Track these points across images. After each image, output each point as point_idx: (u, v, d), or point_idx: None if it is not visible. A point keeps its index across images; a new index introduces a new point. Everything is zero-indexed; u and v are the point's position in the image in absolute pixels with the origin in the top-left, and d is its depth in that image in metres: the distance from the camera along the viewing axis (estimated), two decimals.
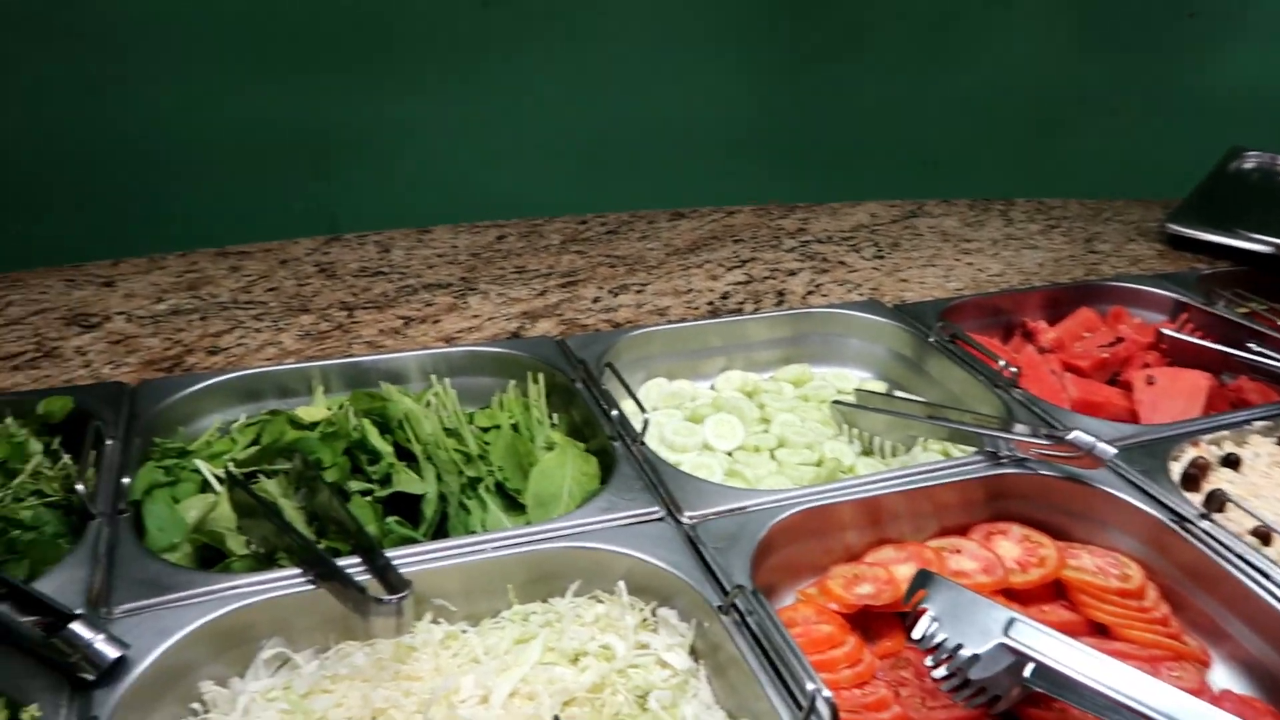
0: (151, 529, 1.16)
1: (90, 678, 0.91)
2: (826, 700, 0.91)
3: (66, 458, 1.30)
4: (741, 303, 1.84)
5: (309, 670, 1.03)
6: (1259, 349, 1.71)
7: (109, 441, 1.28)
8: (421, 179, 2.42)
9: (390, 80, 2.38)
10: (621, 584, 1.12)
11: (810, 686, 0.91)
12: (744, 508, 1.22)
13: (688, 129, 2.67)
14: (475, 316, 1.71)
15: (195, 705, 0.99)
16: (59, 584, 1.02)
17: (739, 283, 1.92)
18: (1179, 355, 1.75)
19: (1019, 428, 1.38)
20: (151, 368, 1.50)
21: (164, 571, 1.06)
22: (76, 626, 0.92)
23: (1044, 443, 1.33)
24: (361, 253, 1.96)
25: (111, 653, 0.92)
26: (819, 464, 1.45)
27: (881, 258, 2.08)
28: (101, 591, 1.03)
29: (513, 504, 1.29)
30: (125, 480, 1.19)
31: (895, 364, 1.73)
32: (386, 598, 0.95)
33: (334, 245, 2.00)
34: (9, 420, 1.32)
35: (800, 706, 0.93)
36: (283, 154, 2.37)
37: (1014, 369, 1.53)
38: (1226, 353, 1.72)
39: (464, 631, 1.09)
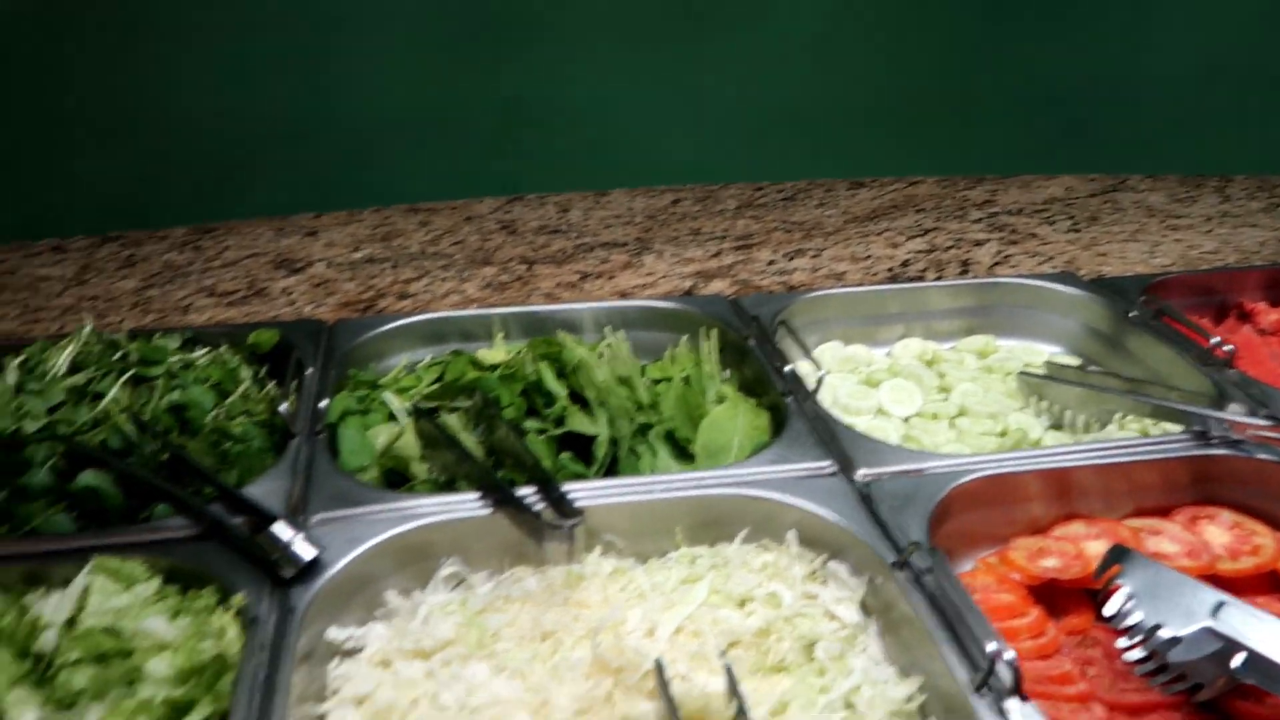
0: (344, 451, 1.23)
1: (288, 574, 0.97)
2: (1009, 662, 0.86)
3: (271, 385, 1.40)
4: (923, 271, 1.77)
5: (483, 590, 1.06)
6: None
7: (308, 371, 1.36)
8: (601, 147, 2.45)
9: (572, 55, 2.42)
10: (792, 534, 1.10)
11: (991, 646, 0.87)
12: (921, 470, 1.17)
13: (868, 98, 2.58)
14: (649, 274, 1.72)
15: (379, 611, 1.04)
16: (263, 493, 1.09)
17: (921, 251, 1.84)
18: None
19: (1234, 407, 1.26)
20: (347, 308, 1.59)
21: (354, 488, 1.13)
22: (278, 527, 0.99)
23: (1264, 424, 1.21)
24: (541, 212, 2.01)
25: (307, 553, 0.98)
26: (1003, 434, 1.38)
27: (1077, 231, 1.95)
28: (299, 501, 1.10)
29: (682, 453, 1.29)
30: (322, 405, 1.26)
31: (1089, 339, 1.62)
32: (561, 523, 0.97)
33: (515, 205, 2.06)
34: (223, 348, 1.43)
35: (978, 667, 0.88)
36: (470, 124, 2.46)
37: (1228, 348, 1.40)
38: None
39: (631, 567, 1.10)
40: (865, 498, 1.12)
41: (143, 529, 1.05)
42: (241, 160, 2.28)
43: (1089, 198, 2.14)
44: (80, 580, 0.97)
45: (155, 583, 0.98)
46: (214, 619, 0.93)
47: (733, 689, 0.86)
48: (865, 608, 1.05)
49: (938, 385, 1.51)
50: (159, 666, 0.86)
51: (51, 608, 0.95)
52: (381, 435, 1.27)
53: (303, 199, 2.08)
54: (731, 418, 1.32)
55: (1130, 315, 1.55)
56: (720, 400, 1.38)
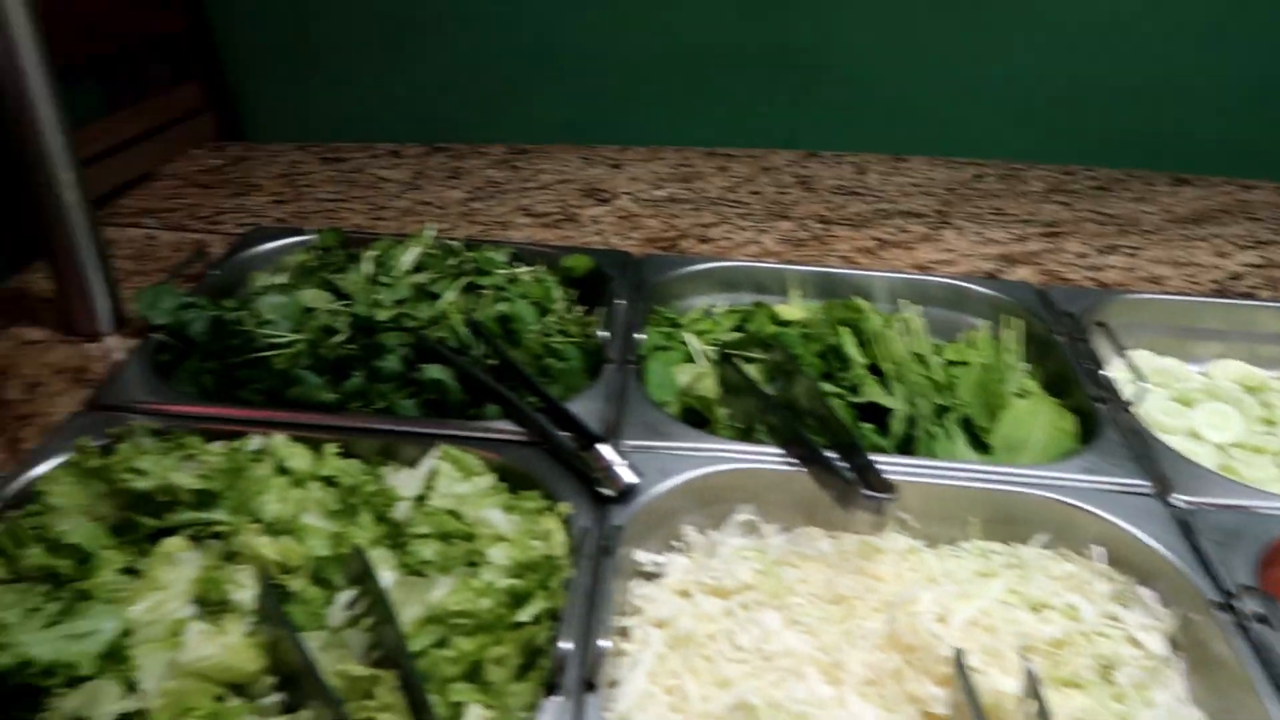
0: (651, 383, 1.30)
1: (610, 494, 1.05)
2: None
3: (581, 310, 1.48)
4: (1254, 288, 1.62)
5: (777, 542, 1.10)
6: None
7: (619, 301, 1.44)
8: (899, 110, 2.38)
9: (875, 13, 2.35)
10: (1100, 549, 1.07)
11: None
12: (1248, 506, 1.10)
13: (1203, 81, 2.34)
14: (949, 250, 1.68)
15: (676, 544, 1.11)
16: (581, 412, 1.17)
17: (1253, 265, 1.69)
18: None
19: None
20: (651, 244, 1.65)
21: (664, 421, 1.19)
22: (604, 448, 1.06)
23: None
24: (838, 171, 1.99)
25: (630, 478, 1.05)
26: None
27: None
28: (613, 426, 1.17)
29: (977, 443, 1.27)
30: (637, 336, 1.33)
31: None
32: (874, 495, 0.98)
33: (811, 161, 2.05)
34: (541, 268, 1.53)
35: None
36: (765, 72, 2.46)
37: None
38: None
39: (921, 549, 1.10)
40: (1185, 526, 1.06)
41: (477, 426, 1.16)
42: (551, 83, 2.39)
43: None
44: (429, 462, 1.09)
45: (491, 478, 1.09)
46: (542, 521, 1.02)
47: (1034, 692, 0.85)
48: (1174, 644, 1.00)
49: (1261, 416, 1.39)
50: (498, 554, 0.96)
51: (403, 483, 1.08)
52: (684, 374, 1.33)
53: (604, 129, 2.16)
54: (1034, 414, 1.28)
55: None
56: (1022, 394, 1.33)
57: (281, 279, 1.48)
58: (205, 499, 0.96)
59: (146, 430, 1.08)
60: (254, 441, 1.09)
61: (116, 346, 1.31)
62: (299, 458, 1.08)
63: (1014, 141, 2.29)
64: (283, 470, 1.05)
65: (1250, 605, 0.95)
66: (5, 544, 0.92)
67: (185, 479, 0.95)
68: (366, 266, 1.43)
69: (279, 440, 1.09)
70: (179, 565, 0.93)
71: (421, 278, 1.43)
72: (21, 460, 1.06)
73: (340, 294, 1.38)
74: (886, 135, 2.26)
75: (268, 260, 1.55)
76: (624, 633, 0.98)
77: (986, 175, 2.02)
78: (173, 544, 0.94)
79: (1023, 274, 1.62)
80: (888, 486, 1.00)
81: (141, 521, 0.95)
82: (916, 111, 2.40)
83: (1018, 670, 0.93)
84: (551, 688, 0.84)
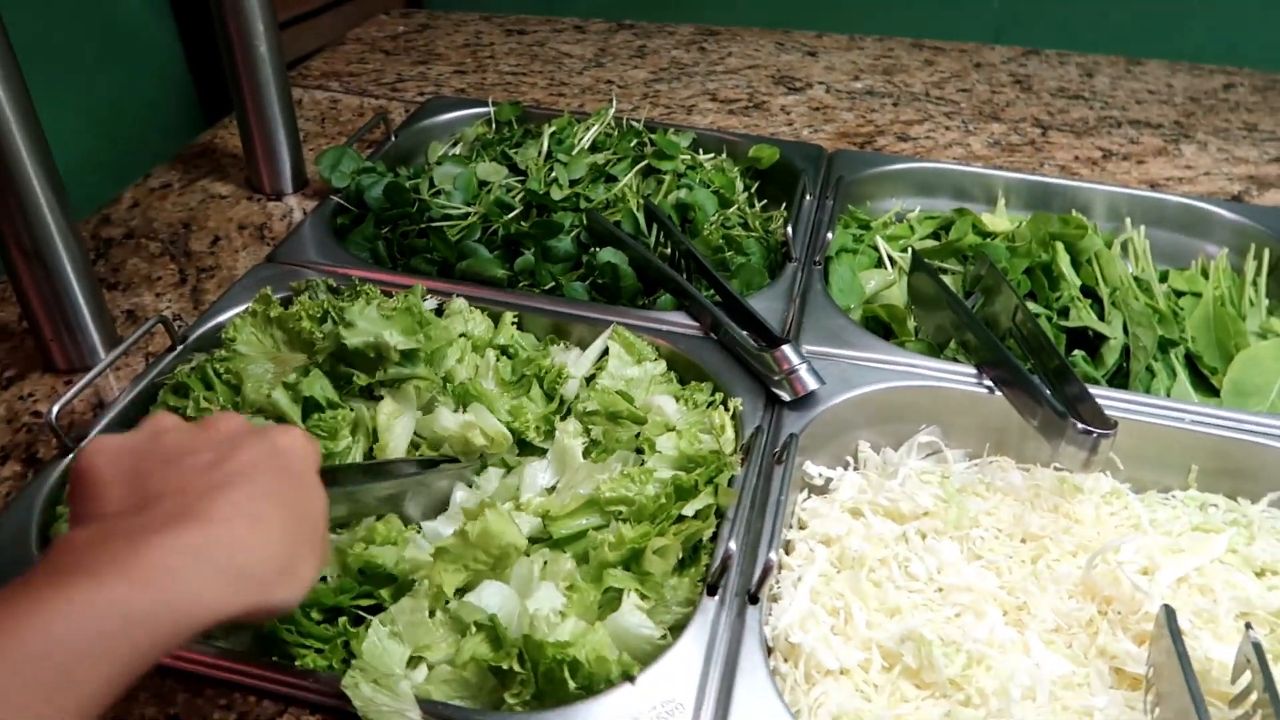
0: (834, 287, 1.21)
1: (787, 398, 0.98)
2: None
3: (762, 205, 1.39)
4: None
5: (961, 468, 1.01)
6: None
7: (807, 198, 1.34)
8: (1137, 4, 2.12)
9: None
10: None
11: None
12: None
13: None
14: (1188, 167, 1.48)
15: (849, 459, 1.03)
16: (760, 309, 1.09)
17: None
18: None
19: None
20: (845, 139, 1.53)
21: (848, 328, 1.10)
22: (787, 350, 0.99)
23: None
24: (1061, 72, 1.79)
25: (812, 383, 0.98)
26: None
27: None
28: (793, 327, 1.10)
29: (1205, 384, 1.12)
30: (825, 235, 1.23)
31: None
32: (1090, 429, 0.88)
33: (1031, 59, 1.84)
34: (724, 157, 1.44)
35: None
36: None
37: None
38: None
39: (1126, 494, 0.99)
40: None
41: (649, 315, 1.11)
42: None
43: None
44: (600, 342, 1.05)
45: (662, 365, 1.04)
46: (713, 415, 0.96)
47: (1258, 664, 0.74)
48: None
49: None
50: (666, 444, 0.91)
51: (574, 361, 1.04)
52: (872, 279, 1.23)
53: (800, 14, 2.02)
54: (1276, 358, 1.12)
55: None
56: (1264, 334, 1.17)
57: (458, 150, 1.45)
58: (410, 356, 0.95)
59: (326, 285, 1.08)
60: (430, 303, 1.08)
61: (296, 206, 1.32)
62: (478, 324, 1.06)
63: (1273, 48, 1.99)
64: (462, 334, 1.04)
65: None
66: (193, 384, 0.94)
67: (396, 336, 0.93)
68: (544, 142, 1.39)
69: (460, 303, 1.07)
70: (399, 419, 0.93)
71: (599, 158, 1.37)
72: (204, 309, 1.09)
73: (516, 169, 1.35)
74: (1120, 35, 2.01)
75: (446, 130, 1.52)
76: (787, 547, 0.93)
77: (1238, 85, 1.77)
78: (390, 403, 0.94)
79: (1274, 198, 1.41)
80: (1108, 422, 0.88)
81: (354, 375, 0.94)
82: (1156, 7, 2.13)
83: (1234, 638, 0.83)
84: (712, 589, 0.79)
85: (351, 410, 0.92)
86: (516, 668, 0.70)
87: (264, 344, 0.99)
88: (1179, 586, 0.88)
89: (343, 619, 0.77)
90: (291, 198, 1.34)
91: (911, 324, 1.17)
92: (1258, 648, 0.75)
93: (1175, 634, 0.77)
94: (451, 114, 1.54)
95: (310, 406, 0.92)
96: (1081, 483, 0.97)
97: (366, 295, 1.03)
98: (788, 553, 0.92)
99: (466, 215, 1.25)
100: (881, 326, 1.18)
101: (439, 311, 1.08)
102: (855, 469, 1.02)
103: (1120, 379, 1.12)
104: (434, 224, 1.23)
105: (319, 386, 0.92)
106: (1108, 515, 0.96)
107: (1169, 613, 0.78)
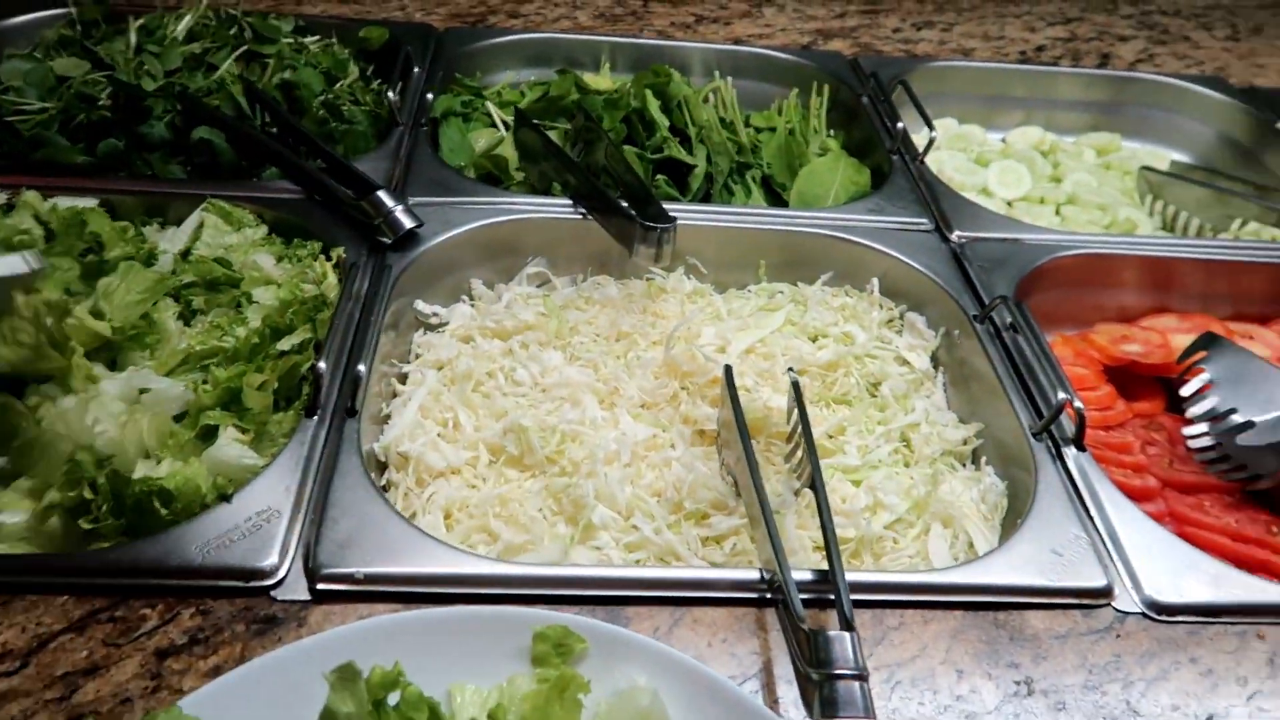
0: (444, 148, 1.25)
1: (387, 240, 1.01)
2: (1077, 410, 0.86)
3: (378, 83, 1.40)
4: (1058, 58, 1.65)
5: (566, 290, 1.10)
6: None
7: (416, 70, 1.36)
8: None
9: None
10: (875, 280, 1.10)
11: (1061, 395, 0.87)
12: (1020, 239, 1.14)
13: None
14: (767, 26, 1.65)
15: (464, 297, 1.09)
16: (366, 169, 1.11)
17: (1060, 39, 1.72)
18: None
19: None
20: (457, 19, 1.56)
21: (453, 178, 1.15)
22: (382, 195, 1.02)
23: None
24: None
25: (408, 222, 1.01)
26: (1109, 226, 1.33)
27: (1236, 39, 1.79)
28: (399, 182, 1.12)
29: (777, 199, 1.28)
30: (429, 96, 1.26)
31: (1223, 149, 1.52)
32: (654, 225, 0.98)
33: None
34: (334, 41, 1.43)
35: (1042, 415, 0.89)
36: None
37: None
38: None
39: (710, 294, 1.11)
40: (957, 257, 1.11)
41: (252, 185, 1.10)
42: None
43: (1258, 8, 1.95)
44: (195, 217, 1.03)
45: (263, 229, 1.04)
46: (316, 265, 0.98)
47: (796, 400, 0.87)
48: (936, 359, 1.06)
49: (1050, 175, 1.45)
50: (264, 295, 0.92)
51: (168, 239, 1.02)
52: (481, 139, 1.28)
53: None
54: (832, 170, 1.29)
55: (1278, 126, 1.45)
56: (823, 153, 1.34)
57: (38, 55, 1.34)
58: None
59: None
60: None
61: None
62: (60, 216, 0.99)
63: None
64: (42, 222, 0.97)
65: (1001, 316, 1.00)
66: None
67: None
68: (131, 35, 1.31)
69: (32, 195, 1.00)
70: None
71: (196, 46, 1.31)
72: None
73: (102, 64, 1.26)
74: None
75: (21, 34, 1.39)
76: (403, 379, 0.97)
77: None
78: None
79: (838, 46, 1.61)
80: (667, 217, 0.99)
81: None
82: None
83: (780, 393, 0.97)
84: (310, 410, 0.82)
85: None
86: (88, 494, 0.70)
87: None
88: (746, 356, 1.01)
89: None
90: None
91: (520, 176, 1.23)
92: (795, 385, 0.88)
93: (731, 387, 0.89)
94: (25, 16, 1.41)
95: None
96: (665, 284, 1.09)
97: None
98: (402, 384, 0.96)
99: (43, 110, 1.16)
100: (491, 178, 1.24)
101: (9, 207, 1.01)
102: (468, 303, 1.08)
103: (707, 202, 1.25)
104: (4, 119, 1.13)
105: None
106: (694, 310, 1.08)
107: (727, 371, 0.90)
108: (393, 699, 0.54)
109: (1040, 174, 1.43)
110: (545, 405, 0.93)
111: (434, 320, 1.04)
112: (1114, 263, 1.14)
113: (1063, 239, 1.15)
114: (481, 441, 0.89)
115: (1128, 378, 1.10)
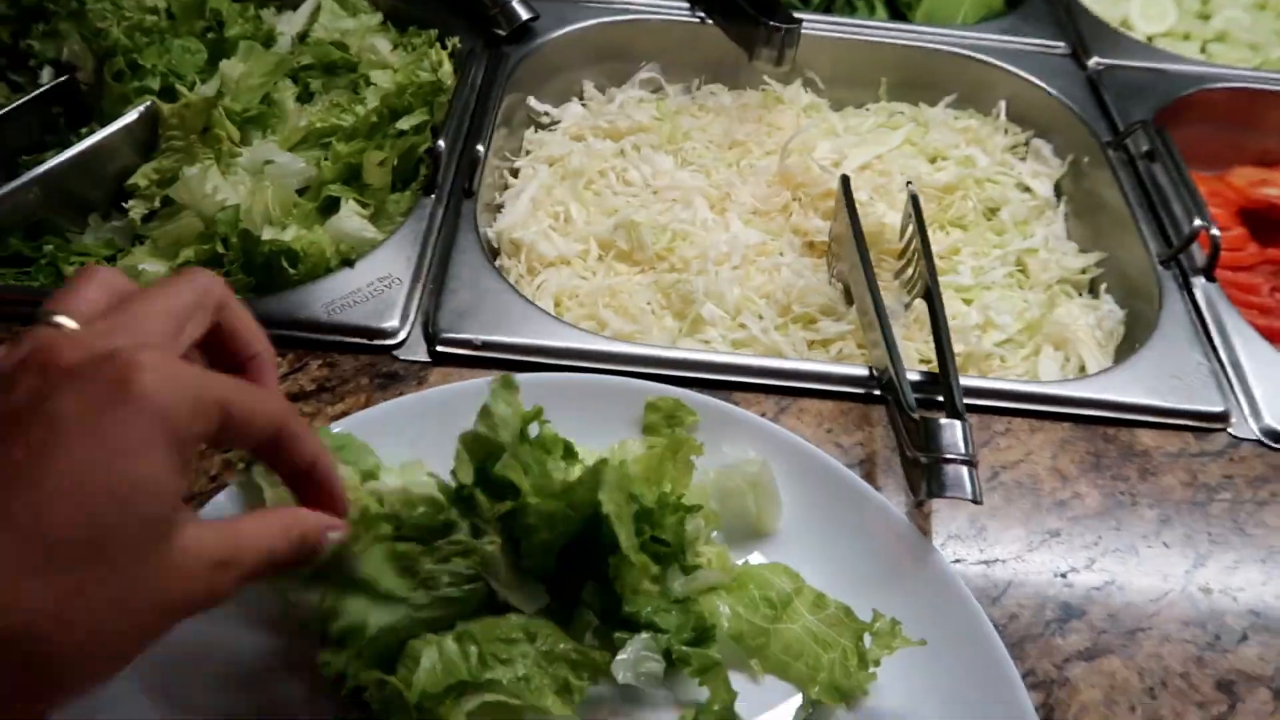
0: None
1: (502, 33, 0.99)
2: (1212, 238, 0.83)
3: None
4: None
5: (680, 98, 1.07)
6: None
7: None
8: None
9: None
10: (1001, 103, 1.05)
11: (1197, 222, 0.84)
12: (1164, 69, 1.07)
13: None
14: None
15: (575, 98, 1.07)
16: None
17: None
18: None
19: None
20: None
21: None
22: None
23: None
24: None
25: (523, 13, 0.99)
26: (1259, 67, 1.23)
27: None
28: None
29: (901, 19, 1.21)
30: None
31: None
32: (778, 24, 0.94)
33: None
34: None
35: (1171, 244, 0.86)
36: None
37: None
38: None
39: (827, 110, 1.08)
40: (1094, 83, 1.05)
41: None
42: None
43: None
44: (310, 0, 1.02)
45: (378, 16, 1.03)
46: (432, 53, 0.97)
47: (915, 213, 0.84)
48: (1060, 189, 1.01)
49: (1198, 11, 1.34)
50: (381, 78, 0.92)
51: (286, 21, 1.01)
52: None
53: None
54: None
55: None
56: None
57: None
58: None
59: None
60: None
61: None
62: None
63: None
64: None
65: (1141, 143, 0.95)
66: None
67: None
68: None
69: None
70: None
71: None
72: None
73: None
74: None
75: None
76: (514, 173, 0.97)
77: None
78: None
79: None
80: (791, 17, 0.95)
81: None
82: None
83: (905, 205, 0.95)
84: (428, 189, 0.83)
85: None
86: (220, 249, 0.73)
87: None
88: (861, 173, 0.99)
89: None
90: None
91: None
92: (914, 198, 0.85)
93: (849, 197, 0.87)
94: None
95: None
96: (782, 93, 1.05)
97: None
98: (514, 177, 0.96)
99: None
100: None
101: None
102: (581, 104, 1.06)
103: (828, 13, 1.19)
104: None
105: None
106: (807, 123, 1.05)
107: (844, 181, 0.87)
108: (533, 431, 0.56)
109: (1188, 9, 1.33)
110: (656, 206, 0.93)
111: (546, 119, 1.03)
112: (1263, 100, 1.07)
113: (1210, 70, 1.08)
114: (592, 236, 0.89)
115: (1265, 223, 1.04)
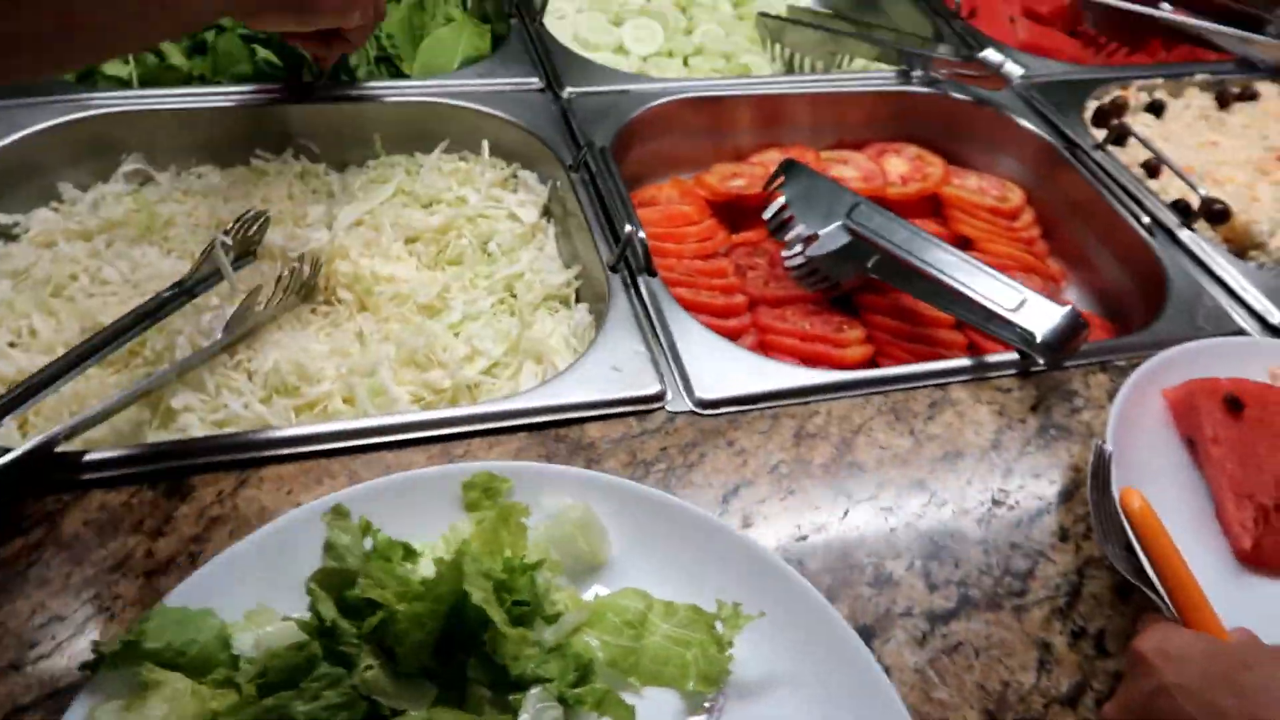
0: None
1: None
2: (640, 240, 0.93)
3: None
4: None
5: (167, 185, 1.06)
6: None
7: None
8: None
9: None
10: (485, 143, 1.12)
11: (627, 229, 0.94)
12: (627, 90, 1.19)
13: None
14: None
15: (54, 203, 1.03)
16: None
17: None
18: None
19: (941, 49, 1.32)
20: None
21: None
22: None
23: (956, 61, 1.27)
24: None
25: None
26: (726, 73, 1.40)
27: None
28: None
29: (399, 75, 1.27)
30: None
31: None
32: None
33: None
34: None
35: (613, 250, 0.96)
36: None
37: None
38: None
39: (324, 173, 1.10)
40: (565, 112, 1.14)
41: None
42: None
43: None
44: None
45: None
46: None
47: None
48: (548, 211, 1.10)
49: (684, 27, 1.50)
50: None
51: None
52: None
53: None
54: (455, 37, 1.29)
55: None
56: (448, 21, 1.33)
57: None
58: None
59: None
60: None
61: None
62: None
63: None
64: None
65: (590, 161, 1.05)
66: None
67: None
68: None
69: None
70: None
71: None
72: None
73: None
74: None
75: None
76: None
77: None
78: None
79: None
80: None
81: None
82: None
83: (406, 259, 0.99)
84: None
85: None
86: None
87: None
88: (354, 229, 1.02)
89: None
90: None
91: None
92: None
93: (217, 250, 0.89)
94: None
95: None
96: (268, 168, 1.07)
97: None
98: None
99: None
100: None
101: None
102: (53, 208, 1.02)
103: None
104: None
105: None
106: (304, 190, 1.07)
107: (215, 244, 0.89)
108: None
109: (674, 28, 1.48)
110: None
111: (18, 230, 0.98)
112: (718, 105, 1.22)
113: (667, 86, 1.21)
114: (61, 344, 0.86)
115: (740, 212, 1.18)
